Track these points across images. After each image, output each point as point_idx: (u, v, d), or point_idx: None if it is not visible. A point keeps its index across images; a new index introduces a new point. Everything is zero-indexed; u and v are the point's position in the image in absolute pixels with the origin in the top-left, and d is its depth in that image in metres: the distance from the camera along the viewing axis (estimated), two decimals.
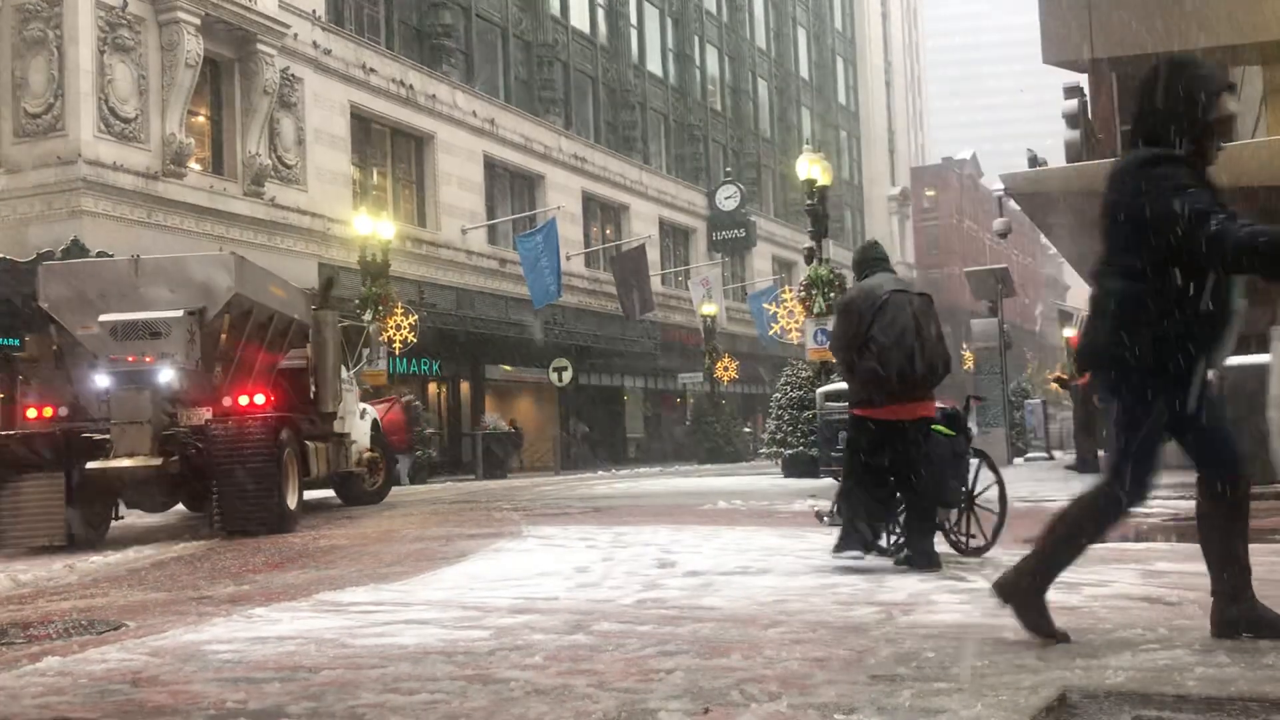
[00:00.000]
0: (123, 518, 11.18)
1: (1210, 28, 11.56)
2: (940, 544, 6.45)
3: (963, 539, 6.72)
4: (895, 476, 6.32)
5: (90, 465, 9.90)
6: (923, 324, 6.16)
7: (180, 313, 10.41)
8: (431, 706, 3.30)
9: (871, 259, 6.71)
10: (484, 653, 4.10)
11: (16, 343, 16.01)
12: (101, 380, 10.42)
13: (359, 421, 14.73)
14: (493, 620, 4.86)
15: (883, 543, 6.49)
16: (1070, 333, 48.40)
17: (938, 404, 6.55)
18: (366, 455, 14.57)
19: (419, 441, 23.42)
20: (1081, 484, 14.09)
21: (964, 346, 53.49)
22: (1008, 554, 5.95)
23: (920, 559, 6.15)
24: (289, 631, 4.71)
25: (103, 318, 10.44)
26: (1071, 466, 16.92)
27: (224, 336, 11.01)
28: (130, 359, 10.31)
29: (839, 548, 6.22)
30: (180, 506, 12.03)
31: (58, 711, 3.45)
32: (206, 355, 10.73)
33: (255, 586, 6.55)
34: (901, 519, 6.52)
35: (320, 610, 5.37)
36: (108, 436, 10.08)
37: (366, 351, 11.95)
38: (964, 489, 6.72)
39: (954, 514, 6.72)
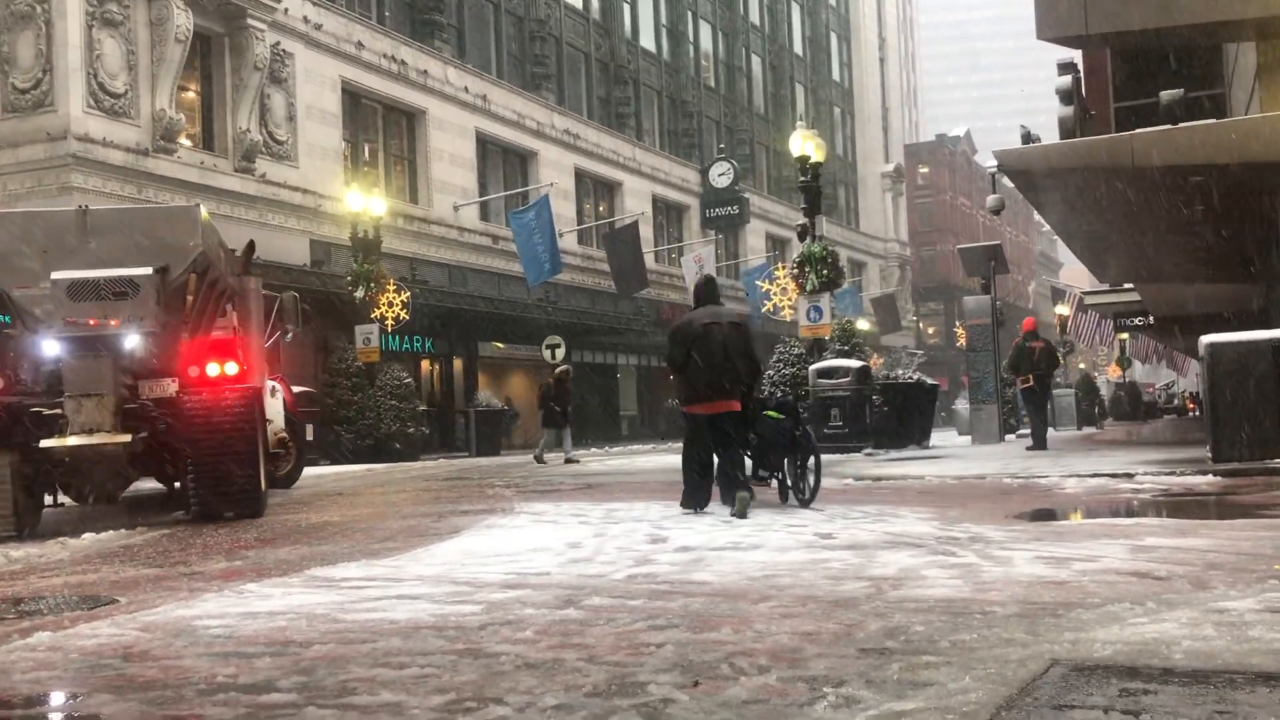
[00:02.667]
0: (62, 504, 10.21)
1: (1205, 3, 11.53)
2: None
3: (791, 491, 9.10)
4: (716, 446, 8.61)
5: (45, 443, 8.69)
6: (729, 347, 8.48)
7: (150, 270, 9.21)
8: (422, 680, 3.31)
9: (703, 295, 9.00)
10: (475, 627, 4.11)
11: None
12: (50, 347, 9.13)
13: (271, 400, 12.90)
14: (484, 595, 4.88)
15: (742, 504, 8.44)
16: (1063, 310, 48.56)
17: (778, 394, 9.62)
18: (279, 436, 12.91)
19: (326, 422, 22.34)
20: (1042, 461, 14.05)
21: (957, 323, 53.55)
22: (825, 505, 8.73)
23: (728, 498, 8.44)
24: (280, 607, 4.71)
25: (55, 275, 9.11)
26: (1030, 446, 17.26)
27: (191, 299, 9.82)
28: (91, 322, 9.04)
29: (683, 502, 8.74)
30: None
31: (49, 686, 3.45)
32: (171, 319, 9.56)
33: (247, 562, 6.55)
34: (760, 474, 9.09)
35: (312, 586, 5.37)
36: (58, 411, 8.83)
37: (290, 329, 10.63)
38: (795, 457, 9.09)
39: (788, 473, 9.14)
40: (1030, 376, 17.86)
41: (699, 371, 8.48)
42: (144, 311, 9.15)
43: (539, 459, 20.26)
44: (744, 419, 8.72)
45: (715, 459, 8.69)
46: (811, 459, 9.06)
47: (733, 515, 8.10)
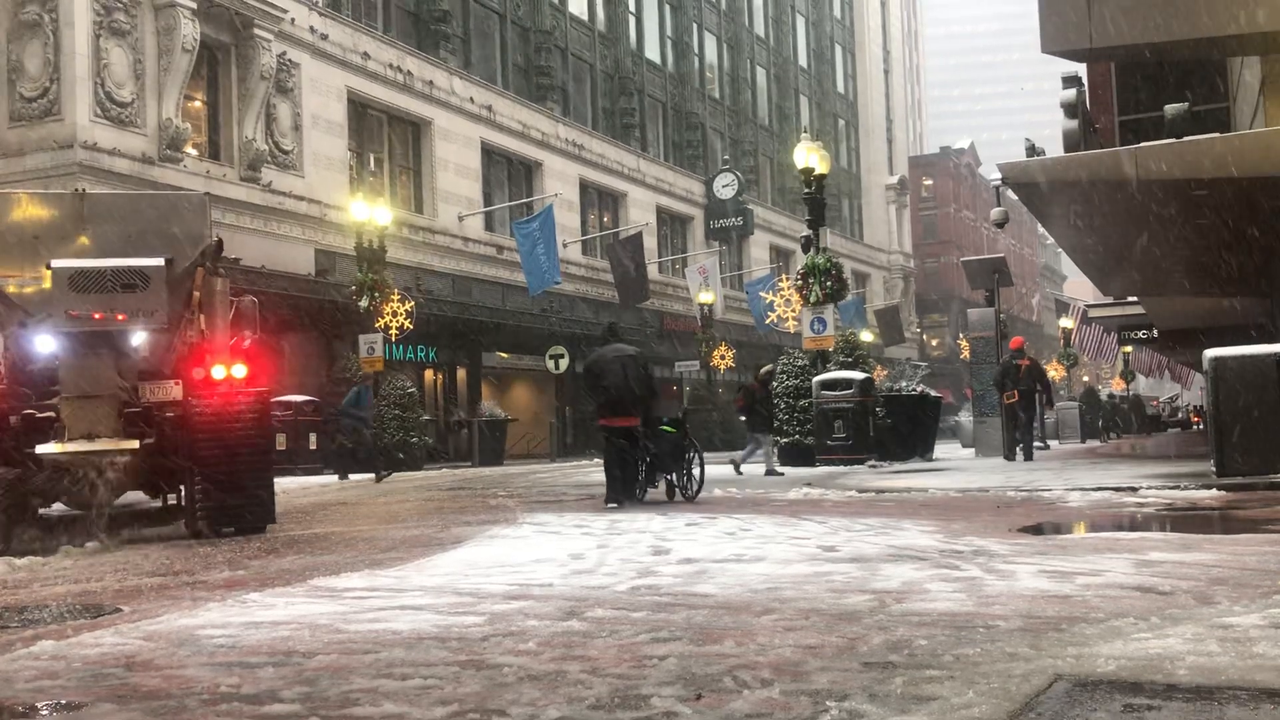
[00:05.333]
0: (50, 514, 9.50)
1: (1210, 17, 11.53)
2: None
3: (679, 489, 11.57)
4: (621, 454, 10.93)
5: (41, 449, 8.14)
6: (629, 375, 10.86)
7: (160, 261, 8.55)
8: (425, 691, 3.31)
9: (608, 336, 11.67)
10: (478, 638, 4.11)
11: None
12: (45, 343, 8.49)
13: None
14: (487, 606, 4.87)
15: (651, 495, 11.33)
16: (1067, 323, 48.53)
17: (679, 412, 12.94)
18: None
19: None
20: (1045, 474, 14.00)
21: (960, 336, 53.52)
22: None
23: (640, 495, 11.10)
24: (283, 617, 4.71)
25: (55, 263, 8.39)
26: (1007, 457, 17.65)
27: (197, 294, 9.13)
28: (96, 316, 8.32)
29: (606, 500, 10.84)
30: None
31: (52, 695, 3.45)
32: (175, 315, 8.92)
33: (250, 572, 6.55)
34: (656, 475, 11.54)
35: (315, 596, 5.37)
36: (51, 415, 8.29)
37: (249, 334, 10.43)
38: (683, 462, 11.59)
39: (675, 476, 11.57)
40: (1015, 392, 18.62)
41: (606, 395, 10.96)
42: (154, 306, 8.45)
43: (772, 470, 16.91)
44: (644, 432, 11.14)
45: (645, 460, 11.23)
46: (697, 468, 11.61)
47: (633, 501, 10.85)
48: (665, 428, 11.52)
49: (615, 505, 10.62)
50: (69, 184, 21.05)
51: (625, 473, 10.91)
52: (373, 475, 19.08)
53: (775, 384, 20.47)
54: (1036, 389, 19.44)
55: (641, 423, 11.09)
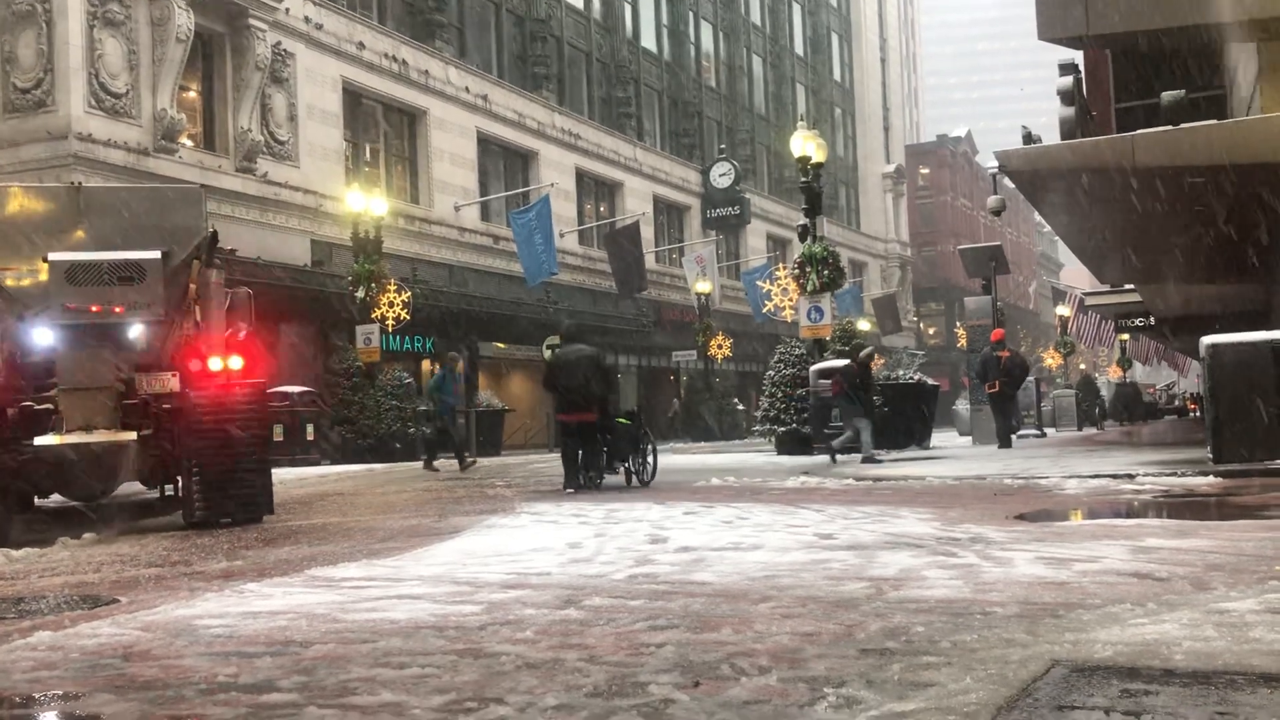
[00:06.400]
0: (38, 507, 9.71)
1: (1206, 4, 11.52)
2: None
3: (635, 475, 12.55)
4: (580, 445, 12.02)
5: (40, 441, 8.19)
6: (587, 375, 11.78)
7: (158, 254, 8.69)
8: (422, 680, 3.31)
9: (568, 337, 12.62)
10: (475, 627, 4.11)
11: None
12: (43, 335, 8.57)
13: None
14: (484, 595, 4.87)
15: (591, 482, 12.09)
16: (1064, 311, 48.56)
17: (635, 408, 14.22)
18: None
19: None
20: (1043, 462, 14.01)
21: (957, 324, 53.53)
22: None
23: (598, 481, 12.07)
24: (281, 606, 4.71)
25: (53, 256, 8.50)
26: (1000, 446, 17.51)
27: (193, 286, 9.24)
28: (94, 308, 8.44)
29: (565, 485, 11.85)
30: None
31: (49, 685, 3.45)
32: (171, 307, 9.05)
33: (247, 562, 6.55)
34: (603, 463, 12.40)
35: (312, 585, 5.37)
36: (49, 406, 8.39)
37: (243, 326, 10.49)
38: (639, 451, 12.61)
39: (632, 463, 12.56)
40: (996, 382, 18.96)
41: (565, 392, 11.89)
42: (150, 298, 8.59)
43: (873, 459, 15.79)
44: (602, 425, 12.05)
45: (585, 451, 12.19)
46: (651, 456, 12.68)
47: (593, 487, 11.82)
48: (622, 420, 12.60)
49: (571, 491, 11.56)
50: (63, 175, 21.03)
51: (586, 461, 11.99)
52: (455, 462, 18.77)
53: (773, 373, 20.49)
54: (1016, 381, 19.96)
55: (600, 416, 12.00)
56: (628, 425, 12.62)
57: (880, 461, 15.35)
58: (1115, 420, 40.85)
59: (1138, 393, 47.23)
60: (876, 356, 17.74)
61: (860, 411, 16.19)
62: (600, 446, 12.17)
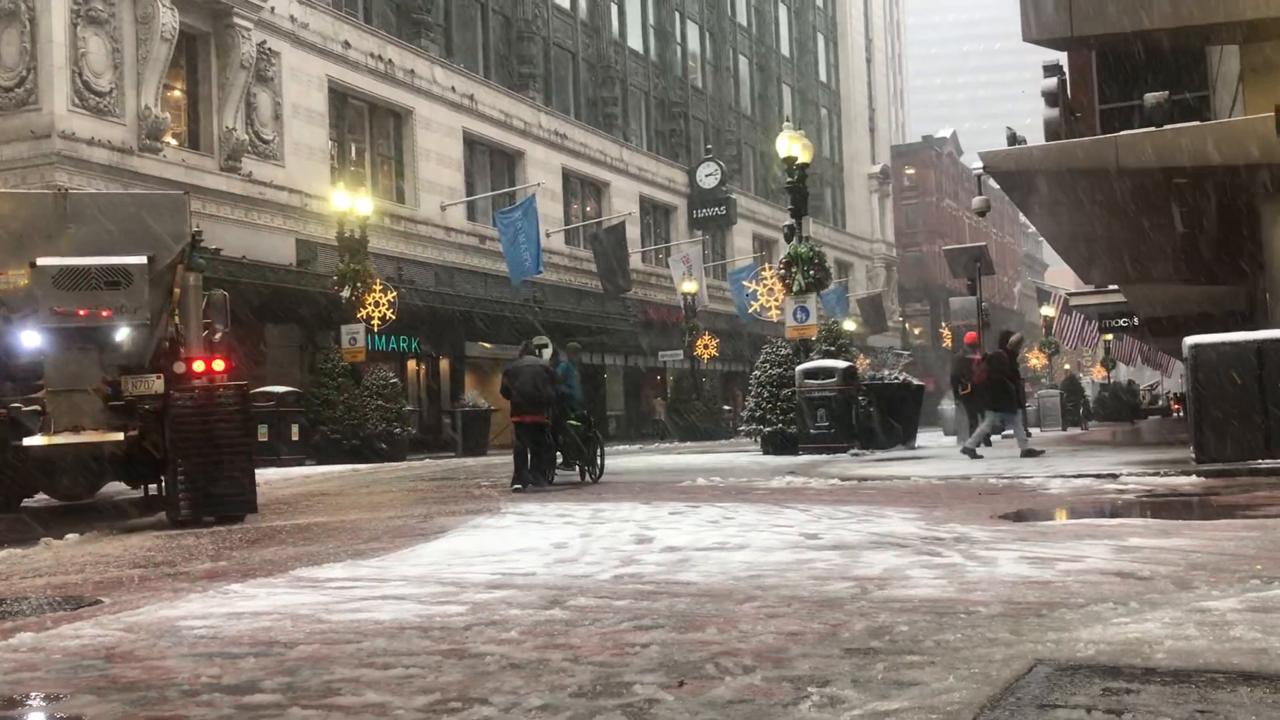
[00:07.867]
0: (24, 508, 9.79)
1: (1188, 6, 11.59)
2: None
3: (587, 472, 13.59)
4: (529, 446, 12.74)
5: (28, 441, 8.36)
6: (537, 383, 12.74)
7: (143, 258, 8.89)
8: (407, 680, 3.31)
9: (527, 350, 13.46)
10: (460, 628, 4.10)
11: None
12: (30, 338, 8.74)
13: None
14: (469, 596, 4.87)
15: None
16: (1049, 311, 48.78)
17: (584, 411, 14.33)
18: None
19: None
20: (1027, 462, 14.04)
21: (943, 324, 53.68)
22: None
23: (542, 482, 12.64)
24: (265, 607, 4.70)
25: (40, 261, 8.66)
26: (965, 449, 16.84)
27: (177, 290, 9.49)
28: (81, 312, 8.63)
29: (513, 483, 12.38)
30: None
31: (31, 687, 3.43)
32: (156, 311, 9.29)
33: (232, 563, 6.52)
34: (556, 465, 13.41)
35: (297, 586, 5.35)
36: (36, 408, 8.57)
37: (219, 328, 10.48)
38: (590, 450, 13.63)
39: (582, 461, 13.61)
40: (969, 385, 18.83)
41: (517, 396, 12.83)
42: (136, 302, 8.80)
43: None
44: (552, 427, 13.01)
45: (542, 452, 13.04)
46: (599, 456, 13.65)
47: (548, 485, 12.62)
48: (573, 422, 13.57)
49: (519, 488, 12.18)
50: (47, 174, 20.93)
51: (537, 460, 12.83)
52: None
53: (759, 373, 20.52)
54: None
55: (552, 420, 13.04)
56: (578, 427, 13.62)
57: (1039, 453, 14.67)
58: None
59: (1133, 392, 47.51)
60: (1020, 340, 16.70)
61: (1012, 402, 15.43)
62: (550, 446, 13.11)
